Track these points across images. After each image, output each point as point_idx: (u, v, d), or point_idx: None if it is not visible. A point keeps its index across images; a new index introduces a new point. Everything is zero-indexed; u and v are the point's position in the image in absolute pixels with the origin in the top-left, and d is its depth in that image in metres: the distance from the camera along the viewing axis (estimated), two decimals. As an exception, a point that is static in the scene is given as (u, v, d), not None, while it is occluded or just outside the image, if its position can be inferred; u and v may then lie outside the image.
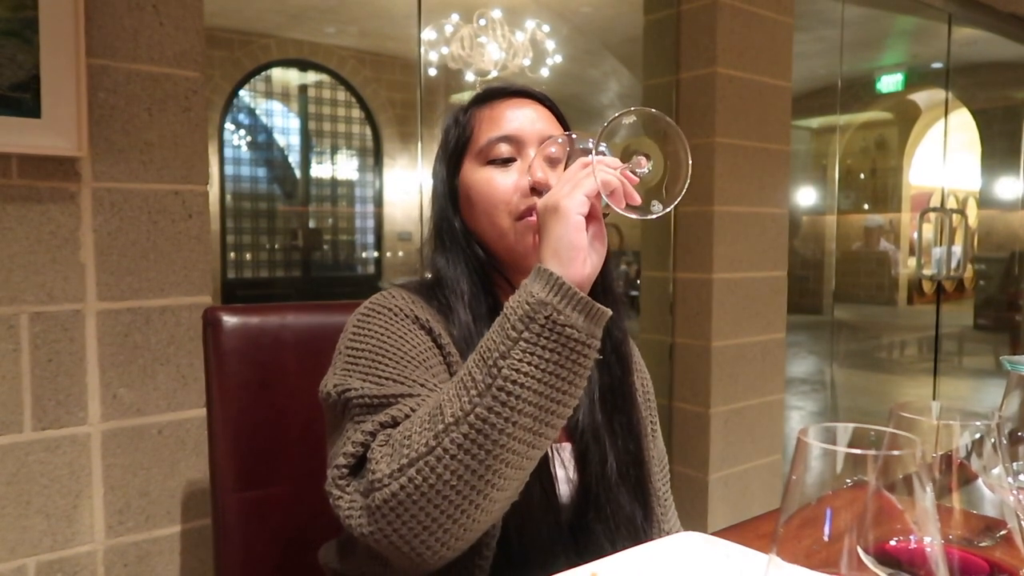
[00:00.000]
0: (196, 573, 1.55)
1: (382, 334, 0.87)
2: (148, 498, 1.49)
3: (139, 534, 1.49)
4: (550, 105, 1.01)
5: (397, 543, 0.73)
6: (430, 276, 0.99)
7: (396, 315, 0.90)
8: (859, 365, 6.54)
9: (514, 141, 0.95)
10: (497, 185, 0.94)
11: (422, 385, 0.83)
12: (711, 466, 2.49)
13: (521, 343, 0.70)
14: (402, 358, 0.85)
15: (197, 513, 1.55)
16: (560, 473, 0.92)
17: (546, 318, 0.70)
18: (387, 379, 0.83)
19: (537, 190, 0.92)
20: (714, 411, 2.49)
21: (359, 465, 0.78)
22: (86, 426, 1.42)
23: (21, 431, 1.36)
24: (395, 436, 0.74)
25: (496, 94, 1.00)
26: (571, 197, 0.75)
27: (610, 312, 0.73)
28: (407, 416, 0.77)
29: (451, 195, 0.99)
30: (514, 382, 0.69)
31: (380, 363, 0.84)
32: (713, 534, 0.90)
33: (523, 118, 0.97)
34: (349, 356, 0.87)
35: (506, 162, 0.95)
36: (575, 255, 0.74)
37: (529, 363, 0.70)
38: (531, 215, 0.92)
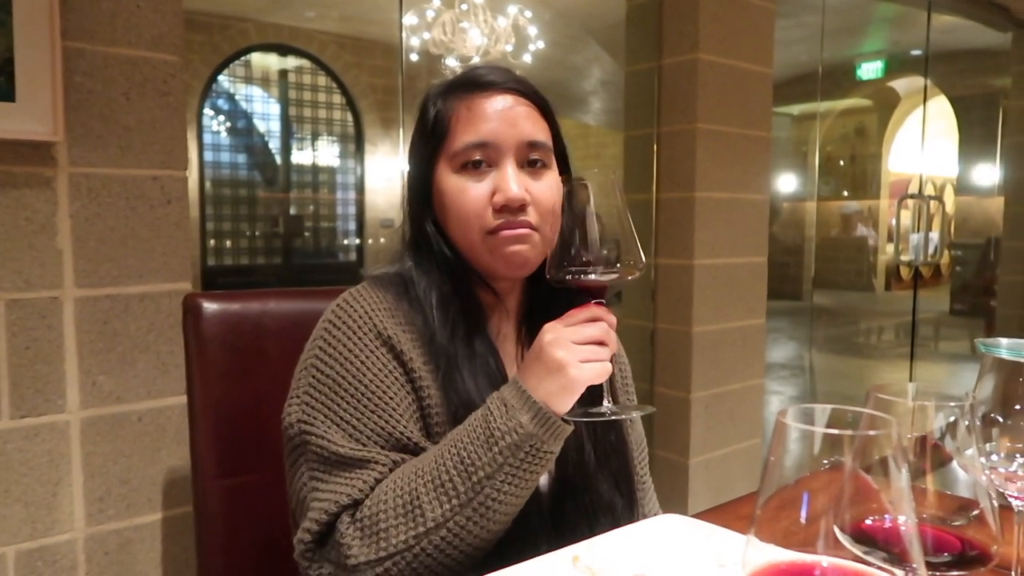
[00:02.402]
0: (178, 560, 1.55)
1: (345, 359, 0.87)
2: (129, 486, 1.48)
3: (120, 522, 1.48)
4: (535, 98, 0.94)
5: None
6: (408, 265, 0.97)
7: (358, 333, 0.88)
8: (838, 350, 6.62)
9: (490, 147, 0.89)
10: (469, 197, 0.89)
11: (381, 438, 0.84)
12: (692, 450, 2.52)
13: (506, 467, 0.78)
14: (364, 397, 0.85)
15: (179, 500, 1.54)
16: None
17: (531, 446, 0.78)
18: (349, 425, 0.84)
19: (509, 208, 0.88)
20: (695, 396, 2.51)
21: (324, 535, 0.82)
22: (65, 414, 1.41)
23: (-1, 419, 1.35)
24: (364, 520, 0.79)
25: (475, 85, 0.92)
26: (582, 370, 0.78)
27: (571, 427, 0.80)
28: (367, 495, 0.81)
29: (425, 191, 0.94)
30: (494, 499, 0.78)
31: (344, 403, 0.85)
32: (693, 516, 0.91)
33: (502, 119, 0.90)
34: (312, 381, 0.87)
35: (480, 168, 0.90)
36: (566, 402, 0.79)
37: (509, 483, 0.78)
38: (503, 230, 0.89)
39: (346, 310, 0.90)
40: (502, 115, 0.90)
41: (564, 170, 0.97)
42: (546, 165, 0.93)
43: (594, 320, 0.81)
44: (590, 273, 0.80)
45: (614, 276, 0.81)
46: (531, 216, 0.90)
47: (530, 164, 0.91)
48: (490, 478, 0.77)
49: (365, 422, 0.85)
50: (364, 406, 0.85)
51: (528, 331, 0.99)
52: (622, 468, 0.98)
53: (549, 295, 0.93)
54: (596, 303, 0.82)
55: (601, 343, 0.80)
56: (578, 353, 0.78)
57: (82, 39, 1.38)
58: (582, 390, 0.79)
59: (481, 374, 0.89)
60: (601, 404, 0.83)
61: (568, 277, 0.81)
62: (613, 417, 0.83)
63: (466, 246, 0.92)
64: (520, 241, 0.89)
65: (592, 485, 0.93)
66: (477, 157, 0.89)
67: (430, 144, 0.93)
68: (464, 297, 0.92)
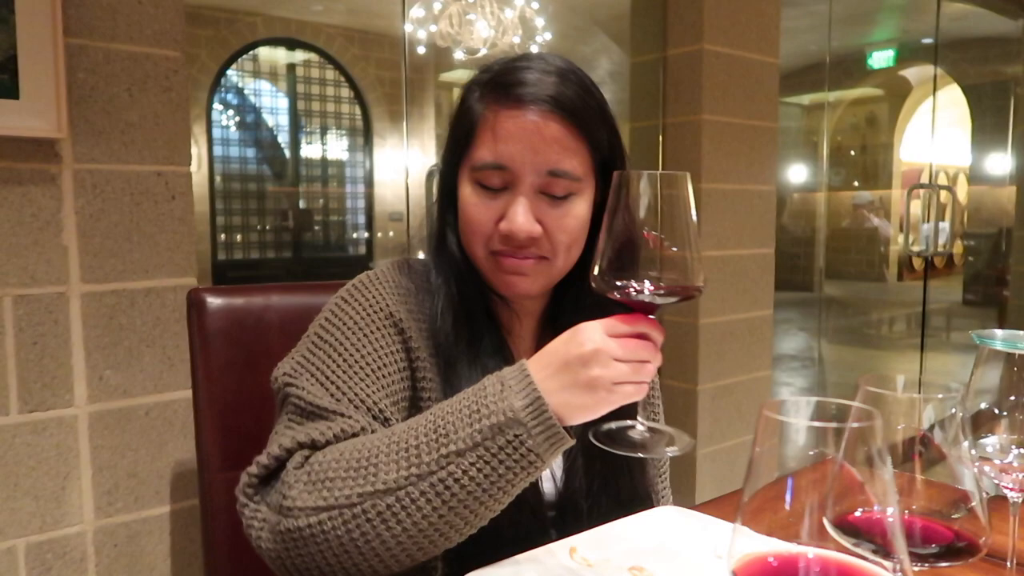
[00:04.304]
0: (186, 552, 1.56)
1: (349, 330, 0.85)
2: (137, 479, 1.50)
3: (128, 515, 1.50)
4: (573, 116, 0.84)
5: (292, 570, 0.74)
6: (425, 263, 0.95)
7: (370, 311, 0.87)
8: (848, 341, 6.58)
9: (507, 171, 0.84)
10: (479, 214, 0.86)
11: (362, 403, 0.81)
12: (699, 442, 2.52)
13: (480, 449, 0.68)
14: (356, 364, 0.83)
15: (186, 493, 1.56)
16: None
17: (515, 436, 0.68)
18: (332, 384, 0.82)
19: (513, 239, 0.84)
20: (702, 388, 2.51)
21: (271, 477, 0.78)
22: (72, 408, 1.42)
23: (7, 414, 1.36)
24: (315, 465, 0.73)
25: (507, 96, 0.84)
26: (615, 393, 0.69)
27: (573, 441, 0.70)
28: (328, 441, 0.77)
29: (450, 188, 0.91)
30: (457, 480, 0.68)
31: (334, 365, 0.83)
32: (694, 508, 0.91)
33: (525, 143, 0.83)
34: (311, 345, 0.86)
35: (495, 188, 0.85)
36: (581, 418, 0.70)
37: (480, 470, 0.69)
38: (506, 257, 0.86)
39: (360, 289, 0.89)
40: (526, 138, 0.83)
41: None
42: (573, 194, 0.86)
43: (642, 336, 0.71)
44: (642, 290, 0.68)
45: (672, 299, 0.69)
46: (542, 248, 0.86)
47: (558, 194, 0.85)
48: (460, 455, 0.68)
49: (351, 386, 0.82)
50: (355, 372, 0.83)
51: (554, 334, 0.97)
52: (636, 497, 0.94)
53: (577, 297, 0.92)
54: (647, 317, 0.71)
55: (644, 361, 0.70)
56: (618, 373, 0.68)
57: (84, 35, 1.39)
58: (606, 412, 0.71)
59: (482, 375, 0.87)
60: (631, 421, 0.74)
61: (615, 294, 0.70)
62: (641, 454, 0.73)
63: (472, 257, 0.90)
64: (520, 272, 0.86)
65: (601, 512, 0.90)
66: (493, 179, 0.85)
67: (458, 143, 0.89)
68: (472, 299, 0.90)
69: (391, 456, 0.70)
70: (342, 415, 0.79)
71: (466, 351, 0.88)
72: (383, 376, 0.84)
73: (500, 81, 0.86)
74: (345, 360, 0.83)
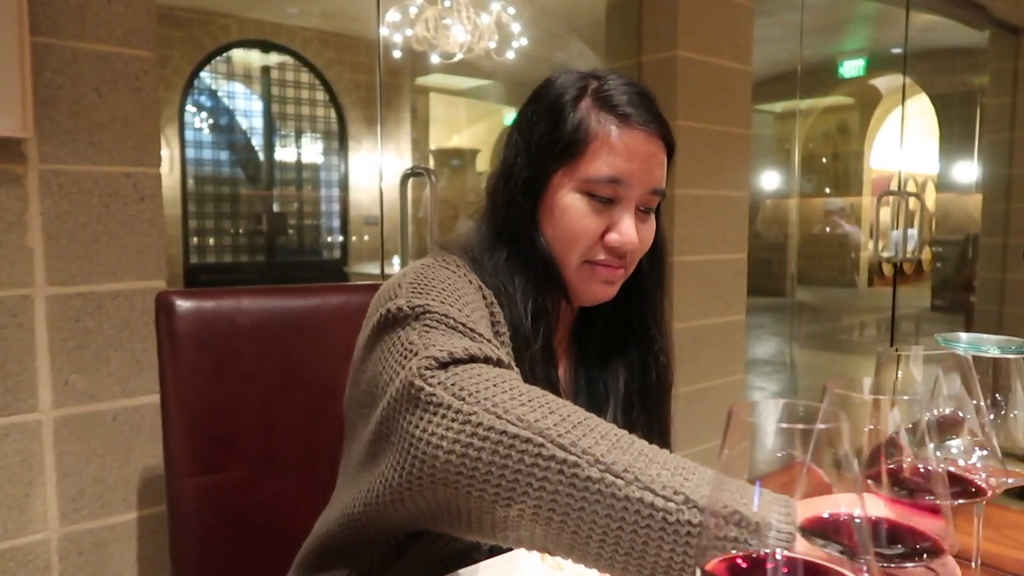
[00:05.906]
0: (154, 560, 1.53)
1: (447, 280, 0.81)
2: (103, 485, 1.47)
3: (94, 521, 1.47)
4: (670, 142, 0.92)
5: (452, 470, 0.63)
6: (477, 256, 0.91)
7: (457, 273, 0.84)
8: (819, 346, 6.67)
9: (621, 186, 0.87)
10: (584, 225, 0.88)
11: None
12: (673, 446, 2.52)
13: (706, 516, 0.51)
14: (470, 304, 0.78)
15: (154, 499, 1.53)
16: None
17: (746, 542, 0.49)
18: (465, 314, 0.75)
19: (618, 251, 0.88)
20: (675, 392, 2.51)
21: (448, 366, 0.67)
22: (37, 413, 1.39)
23: (-31, 419, 1.33)
24: (527, 386, 0.66)
25: (626, 116, 0.88)
26: None
27: None
28: (500, 359, 0.70)
29: (535, 190, 0.90)
30: (667, 520, 0.56)
31: (453, 297, 0.77)
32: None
33: (642, 163, 0.88)
34: (415, 286, 0.78)
35: (604, 201, 0.88)
36: None
37: (689, 533, 0.56)
38: (602, 266, 0.89)
39: (436, 262, 0.86)
40: (644, 158, 0.88)
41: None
42: (652, 209, 0.93)
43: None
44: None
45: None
46: (629, 257, 0.91)
47: (645, 208, 0.91)
48: (688, 503, 0.56)
49: (482, 327, 0.75)
50: (475, 313, 0.77)
51: (578, 341, 1.00)
52: None
53: (605, 308, 0.96)
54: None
55: None
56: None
57: (51, 34, 1.36)
58: None
59: (542, 377, 0.88)
60: None
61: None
62: None
63: (560, 261, 0.91)
64: (612, 281, 0.91)
65: None
66: (607, 193, 0.87)
67: (561, 151, 0.89)
68: (556, 307, 0.92)
69: (618, 445, 0.60)
70: (489, 340, 0.73)
71: (540, 354, 0.89)
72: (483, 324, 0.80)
73: (612, 100, 0.89)
74: (460, 297, 0.79)
